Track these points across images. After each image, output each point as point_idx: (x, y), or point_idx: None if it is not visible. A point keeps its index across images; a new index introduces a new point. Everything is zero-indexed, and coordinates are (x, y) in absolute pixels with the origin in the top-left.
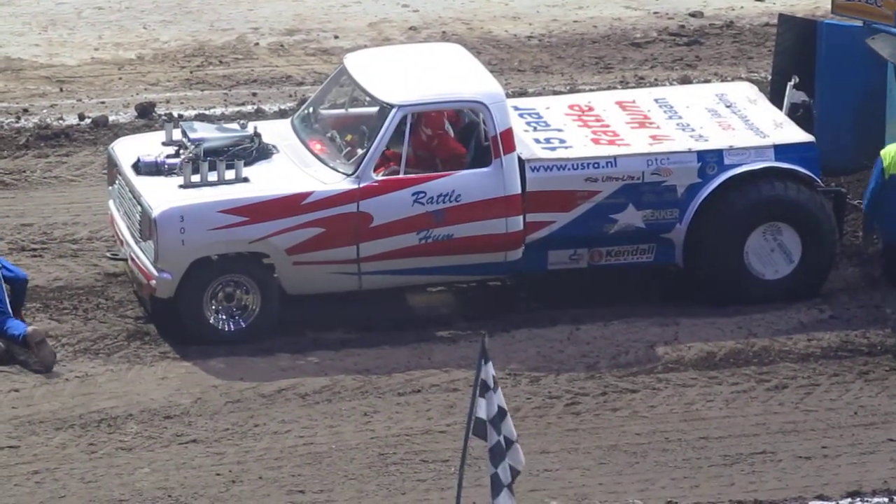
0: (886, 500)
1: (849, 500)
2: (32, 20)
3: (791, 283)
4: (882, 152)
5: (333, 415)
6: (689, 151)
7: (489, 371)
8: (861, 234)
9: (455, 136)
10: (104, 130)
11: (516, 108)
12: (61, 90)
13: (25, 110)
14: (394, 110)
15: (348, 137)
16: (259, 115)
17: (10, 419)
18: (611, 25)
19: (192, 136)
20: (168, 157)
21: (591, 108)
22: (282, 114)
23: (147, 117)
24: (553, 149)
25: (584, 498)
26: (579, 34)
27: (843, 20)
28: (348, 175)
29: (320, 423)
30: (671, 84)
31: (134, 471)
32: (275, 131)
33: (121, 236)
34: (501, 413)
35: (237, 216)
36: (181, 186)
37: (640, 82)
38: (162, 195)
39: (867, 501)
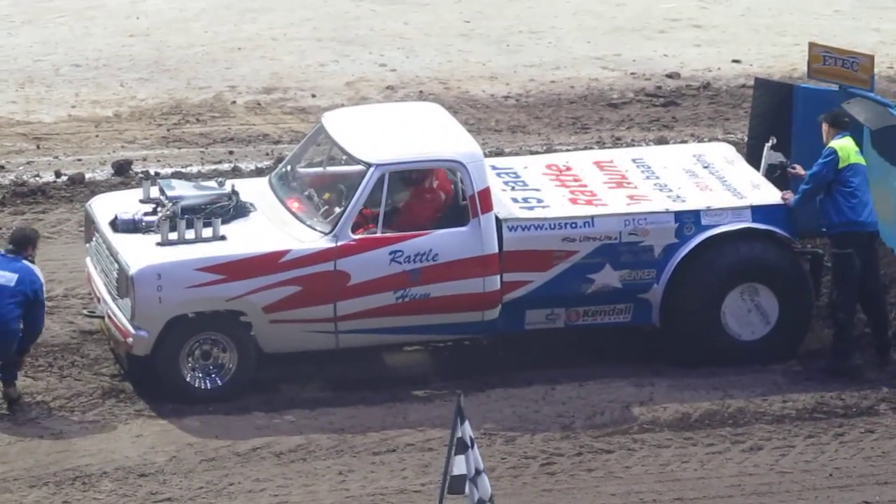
0: None
1: None
2: (10, 77)
3: (768, 344)
4: (837, 147)
5: (308, 473)
6: (667, 212)
7: (467, 431)
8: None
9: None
10: (81, 188)
11: (494, 168)
12: (38, 147)
13: (2, 167)
14: (371, 169)
15: (326, 196)
16: (236, 173)
17: None
18: (588, 86)
19: (169, 193)
20: (145, 214)
21: (568, 168)
22: (258, 172)
23: (124, 175)
24: (531, 208)
25: None
26: (556, 94)
27: (820, 84)
28: (326, 233)
29: (295, 482)
30: (647, 144)
31: None
32: (252, 189)
33: (98, 293)
34: (477, 473)
35: (214, 274)
36: (158, 244)
37: (617, 143)
38: (139, 253)
39: None
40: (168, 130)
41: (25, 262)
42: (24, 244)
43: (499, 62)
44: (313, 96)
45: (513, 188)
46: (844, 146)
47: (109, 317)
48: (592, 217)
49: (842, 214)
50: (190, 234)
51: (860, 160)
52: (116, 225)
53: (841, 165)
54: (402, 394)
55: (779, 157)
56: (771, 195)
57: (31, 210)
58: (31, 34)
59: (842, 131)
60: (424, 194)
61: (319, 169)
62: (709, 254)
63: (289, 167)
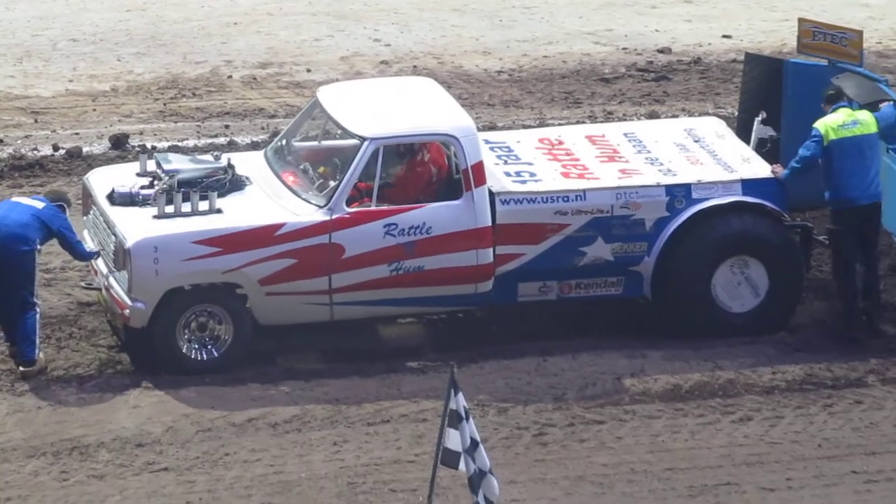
0: None
1: None
2: (7, 52)
3: (758, 316)
4: (820, 126)
5: (303, 444)
6: (658, 185)
7: (460, 401)
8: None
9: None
10: (78, 161)
11: (487, 142)
12: (36, 121)
13: (0, 140)
14: (366, 143)
15: (321, 169)
16: (232, 147)
17: None
18: (580, 61)
19: (166, 167)
20: (142, 187)
21: (561, 142)
22: (254, 146)
23: (121, 148)
24: (523, 182)
25: None
26: (549, 69)
27: (809, 59)
28: (321, 207)
29: (290, 452)
30: (639, 119)
31: (105, 498)
32: (248, 163)
33: (95, 266)
34: (474, 444)
35: (210, 247)
36: (155, 217)
37: (609, 117)
38: (136, 225)
39: None
40: (164, 105)
41: (53, 204)
42: (55, 199)
43: (492, 37)
44: (308, 71)
45: (506, 162)
46: (826, 123)
47: (107, 289)
48: (584, 191)
49: (830, 191)
50: (186, 208)
51: (846, 133)
52: (114, 198)
53: (825, 143)
54: (397, 365)
55: (769, 132)
56: (761, 169)
57: (29, 183)
58: (28, 9)
59: (833, 104)
60: (419, 168)
61: (314, 143)
62: (699, 227)
63: (284, 141)
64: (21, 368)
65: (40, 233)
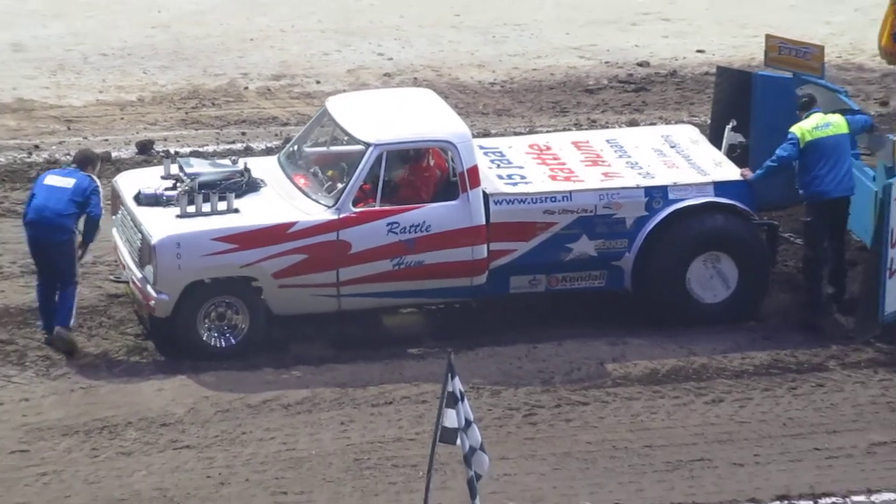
0: (812, 503)
1: (778, 502)
2: (43, 65)
3: (728, 306)
4: (796, 130)
5: (313, 424)
6: (638, 187)
7: (457, 385)
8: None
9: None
10: (107, 165)
11: (481, 147)
12: (69, 128)
13: (36, 146)
14: (370, 148)
15: (329, 173)
16: (248, 152)
17: (20, 426)
18: (566, 73)
19: (188, 170)
20: (166, 189)
21: (549, 148)
22: (269, 151)
23: (146, 153)
24: (515, 184)
25: (539, 500)
26: (538, 81)
27: (776, 72)
28: (329, 207)
29: (301, 431)
30: (620, 126)
31: (133, 473)
32: (263, 167)
33: (123, 261)
34: (467, 423)
35: (228, 243)
36: (178, 216)
37: (593, 125)
38: (160, 224)
39: None
40: (186, 113)
41: (83, 173)
42: (84, 163)
43: (486, 52)
44: (318, 82)
45: (498, 166)
46: (801, 127)
47: (133, 282)
48: (570, 192)
49: (806, 187)
50: (206, 208)
51: (820, 134)
52: (140, 199)
53: (801, 145)
54: (399, 352)
55: (738, 138)
56: (732, 172)
57: None
58: (62, 26)
59: (807, 110)
60: (419, 171)
61: (323, 148)
62: (675, 225)
63: (296, 147)
64: (57, 327)
65: (76, 216)
